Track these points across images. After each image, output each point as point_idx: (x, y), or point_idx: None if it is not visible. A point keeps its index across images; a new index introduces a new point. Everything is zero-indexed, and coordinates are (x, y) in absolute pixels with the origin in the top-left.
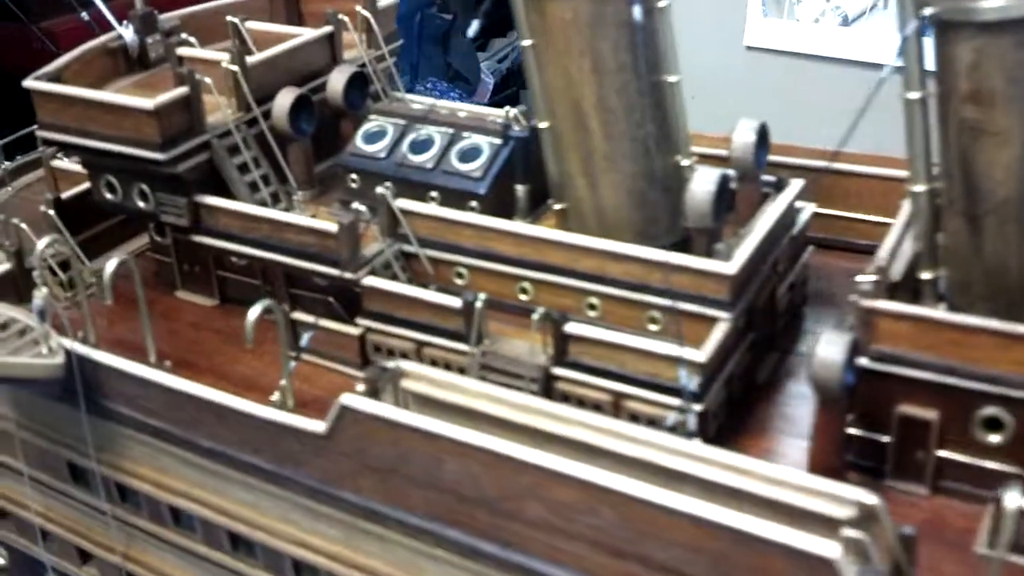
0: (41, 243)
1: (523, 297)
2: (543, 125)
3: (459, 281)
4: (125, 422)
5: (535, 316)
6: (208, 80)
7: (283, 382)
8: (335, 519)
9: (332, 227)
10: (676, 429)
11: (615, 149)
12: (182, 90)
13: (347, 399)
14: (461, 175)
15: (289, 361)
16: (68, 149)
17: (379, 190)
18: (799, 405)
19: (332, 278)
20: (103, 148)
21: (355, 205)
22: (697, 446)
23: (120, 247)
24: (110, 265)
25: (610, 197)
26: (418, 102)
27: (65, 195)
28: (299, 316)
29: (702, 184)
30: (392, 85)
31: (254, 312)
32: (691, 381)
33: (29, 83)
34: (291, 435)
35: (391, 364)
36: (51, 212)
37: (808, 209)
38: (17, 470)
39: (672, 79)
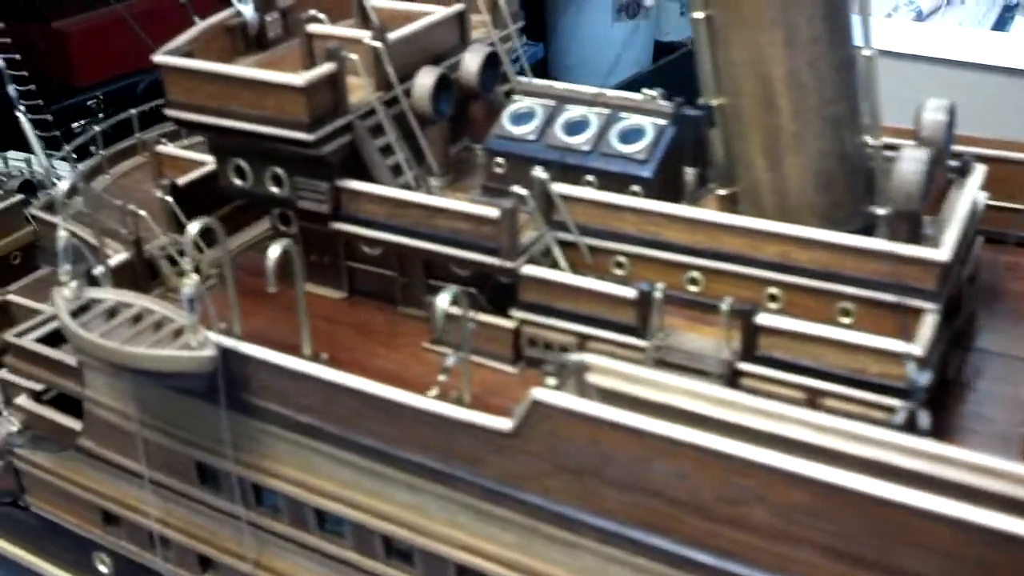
0: (192, 226)
1: (692, 288)
2: (717, 103)
3: (618, 271)
4: (272, 419)
5: (723, 307)
6: (355, 57)
7: (439, 376)
8: (512, 523)
9: (493, 212)
10: (901, 427)
11: (804, 127)
12: (329, 67)
13: (539, 394)
14: (623, 157)
15: (455, 357)
16: (200, 130)
17: (536, 173)
18: (991, 404)
19: (486, 267)
20: (242, 128)
21: (516, 189)
22: (936, 445)
23: (235, 236)
24: (273, 252)
25: (794, 179)
26: (549, 84)
27: (181, 181)
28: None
29: (913, 164)
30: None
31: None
32: (921, 376)
33: (160, 58)
34: (471, 433)
35: (573, 357)
36: (169, 199)
37: (982, 198)
38: (136, 473)
39: (868, 52)
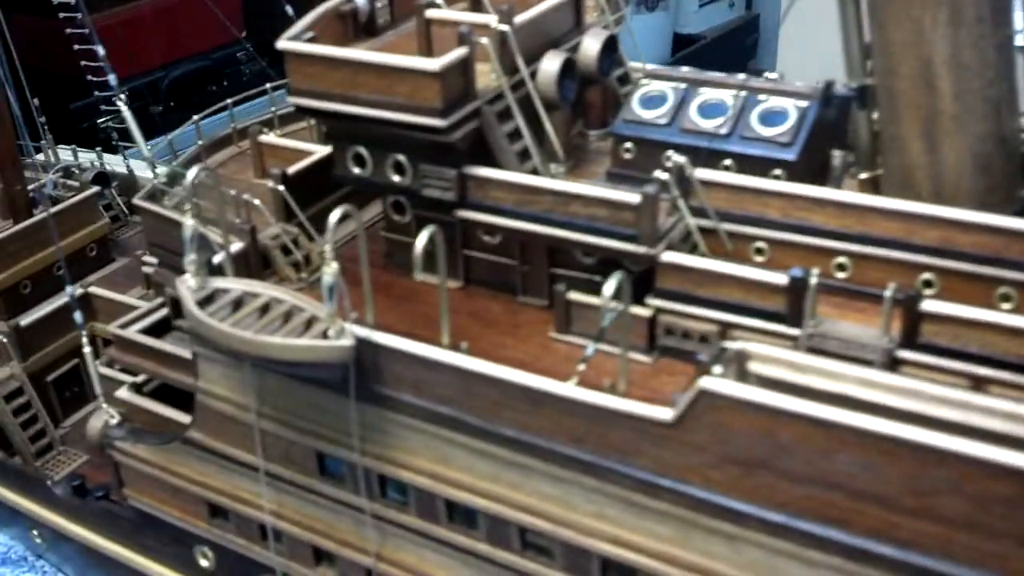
0: (333, 216)
1: (840, 275)
2: (871, 83)
3: (759, 258)
4: (405, 410)
5: (887, 293)
6: (485, 41)
7: (579, 367)
8: (668, 515)
9: (633, 198)
10: None
11: (965, 109)
12: (461, 51)
13: (707, 383)
14: (764, 140)
15: (594, 346)
16: (324, 117)
17: (675, 158)
18: None
19: (619, 254)
20: (370, 115)
21: (657, 174)
22: None
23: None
24: (420, 240)
25: (952, 162)
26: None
27: (291, 170)
28: (580, 298)
29: None
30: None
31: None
32: None
33: (284, 44)
34: (627, 423)
35: (732, 344)
36: (281, 188)
37: None
38: (249, 465)
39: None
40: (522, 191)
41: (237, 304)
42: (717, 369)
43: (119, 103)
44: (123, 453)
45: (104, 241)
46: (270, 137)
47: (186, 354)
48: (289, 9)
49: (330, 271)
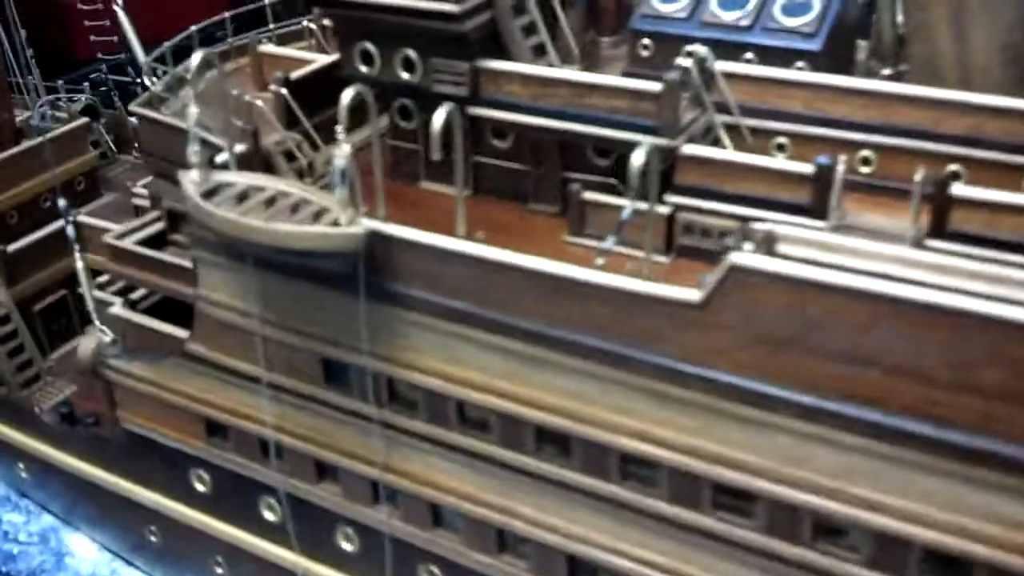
0: (345, 95)
1: (864, 169)
2: None
3: (779, 154)
4: (417, 306)
5: (917, 177)
6: None
7: (597, 260)
8: (693, 404)
9: (654, 86)
10: None
11: None
12: None
13: (738, 258)
14: (788, 31)
15: (612, 240)
16: (337, 7)
17: (697, 49)
18: None
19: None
20: (385, 3)
21: (680, 61)
22: None
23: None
24: (438, 117)
25: (980, 51)
26: None
27: (294, 75)
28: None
29: None
30: None
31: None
32: None
33: None
34: (652, 307)
35: (760, 226)
36: (283, 91)
37: None
38: (250, 376)
39: None
40: (538, 84)
41: (242, 197)
42: (748, 246)
43: (116, 7)
44: (117, 372)
45: (93, 175)
46: (270, 47)
47: (185, 263)
48: None
49: (342, 154)
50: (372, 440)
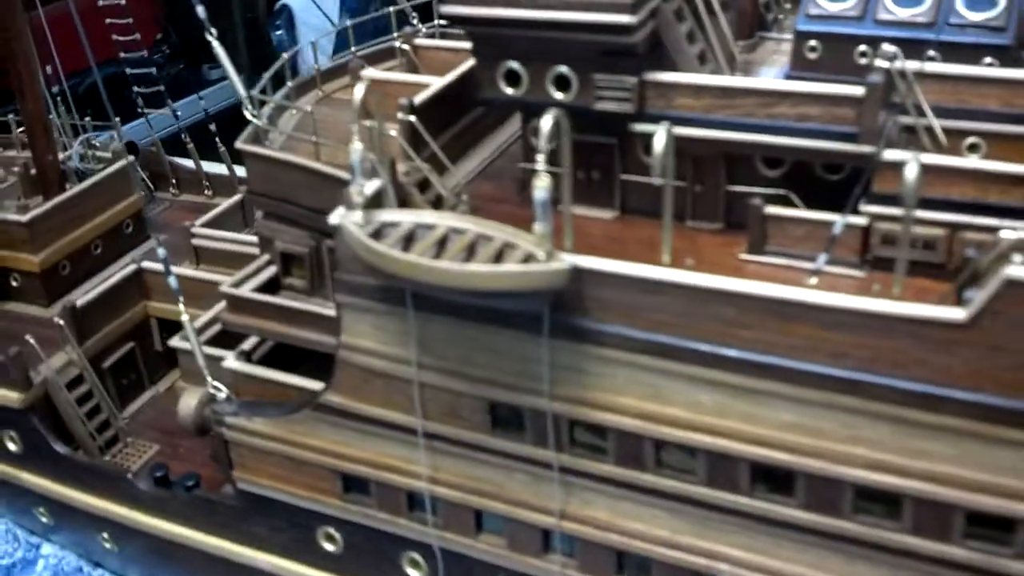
0: (546, 121)
1: None
2: None
3: (972, 154)
4: (612, 343)
5: None
6: None
7: (810, 280)
8: (947, 430)
9: (855, 91)
10: None
11: None
12: None
13: (1015, 271)
14: (974, 26)
15: (824, 257)
16: (479, 26)
17: (886, 49)
18: None
19: (834, 157)
20: (545, 19)
21: (879, 63)
22: None
23: (465, 157)
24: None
25: None
26: None
27: (419, 99)
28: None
29: None
30: None
31: None
32: None
33: None
34: (907, 329)
35: (1009, 234)
36: (412, 119)
37: None
38: (401, 426)
39: None
40: (715, 95)
41: (410, 237)
42: (1017, 258)
43: (209, 36)
44: (235, 430)
45: (139, 217)
46: (373, 71)
47: (319, 309)
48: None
49: (542, 184)
50: (546, 487)
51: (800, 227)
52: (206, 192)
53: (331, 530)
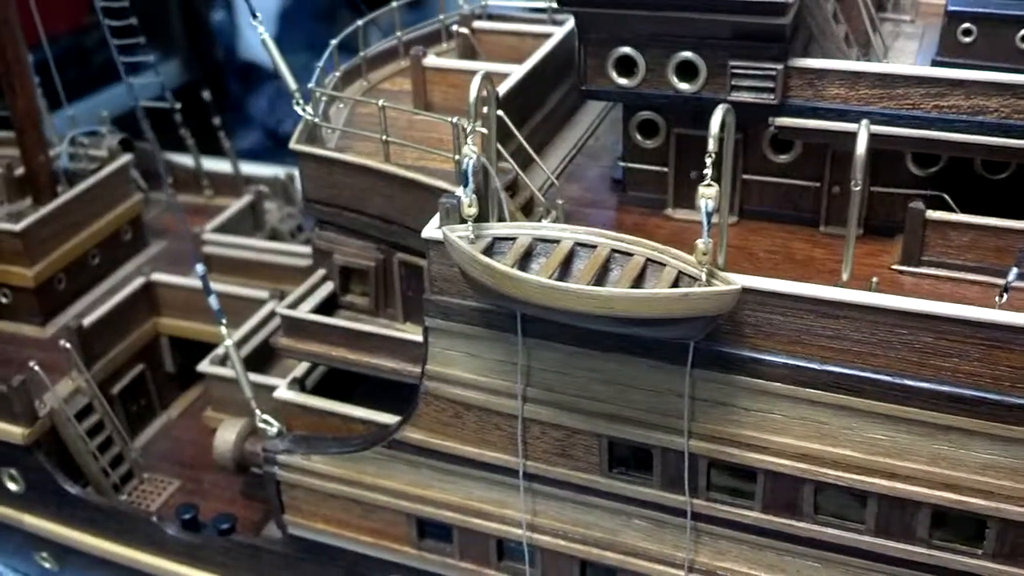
0: (715, 117)
1: None
2: None
3: None
4: (770, 374)
5: None
6: None
7: (997, 299)
8: None
9: None
10: None
11: None
12: None
13: None
14: None
15: (1017, 272)
16: (600, 7)
17: None
18: None
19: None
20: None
21: None
22: None
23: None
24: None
25: None
26: None
27: (503, 89)
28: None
29: None
30: None
31: None
32: None
33: None
34: None
35: None
36: (500, 113)
37: None
38: (494, 466)
39: None
40: (873, 83)
41: (528, 253)
42: None
43: (255, 22)
44: (290, 469)
45: (138, 222)
46: (435, 59)
47: (401, 334)
48: None
49: (710, 193)
50: (671, 535)
51: (966, 234)
52: (206, 192)
53: None
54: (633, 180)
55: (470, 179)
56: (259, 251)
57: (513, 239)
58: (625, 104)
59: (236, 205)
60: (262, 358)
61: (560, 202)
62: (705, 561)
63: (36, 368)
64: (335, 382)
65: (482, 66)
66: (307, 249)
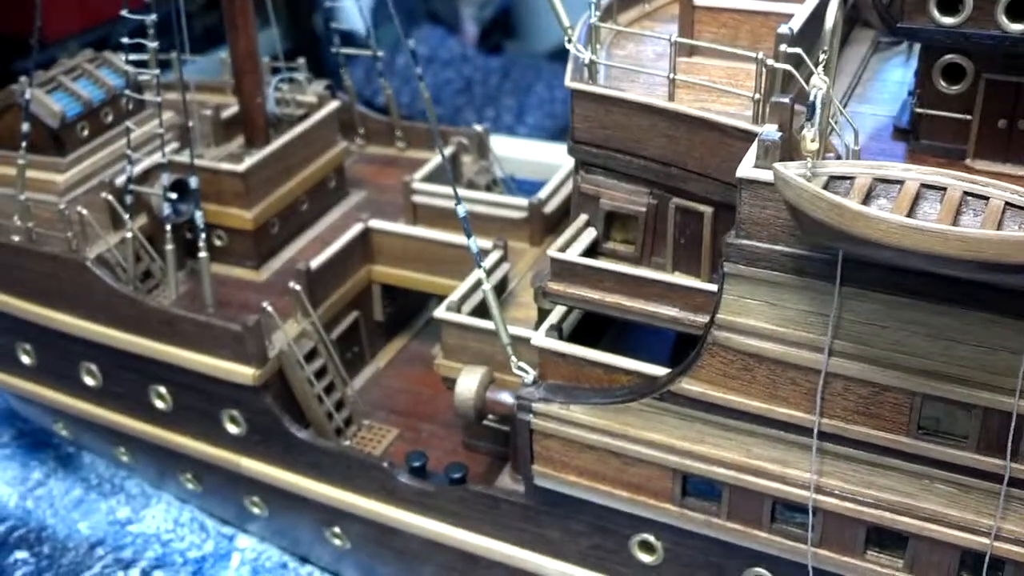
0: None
1: None
2: None
3: None
4: None
5: None
6: None
7: None
8: None
9: None
10: None
11: None
12: None
13: None
14: None
15: None
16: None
17: None
18: None
19: None
20: None
21: None
22: None
23: None
24: None
25: None
26: None
27: (795, 26)
28: None
29: None
30: None
31: None
32: None
33: None
34: None
35: None
36: (798, 50)
37: None
38: (784, 423)
39: None
40: None
41: (870, 192)
42: None
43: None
44: (546, 418)
45: (341, 170)
46: None
47: (687, 281)
48: None
49: None
50: (976, 502)
51: None
52: (398, 144)
53: (650, 538)
54: (928, 128)
55: (817, 111)
56: (471, 202)
57: (851, 178)
58: (927, 46)
59: (439, 156)
60: (483, 308)
61: (856, 148)
62: (1012, 528)
63: (269, 309)
64: (579, 330)
65: (759, 5)
66: (520, 201)
